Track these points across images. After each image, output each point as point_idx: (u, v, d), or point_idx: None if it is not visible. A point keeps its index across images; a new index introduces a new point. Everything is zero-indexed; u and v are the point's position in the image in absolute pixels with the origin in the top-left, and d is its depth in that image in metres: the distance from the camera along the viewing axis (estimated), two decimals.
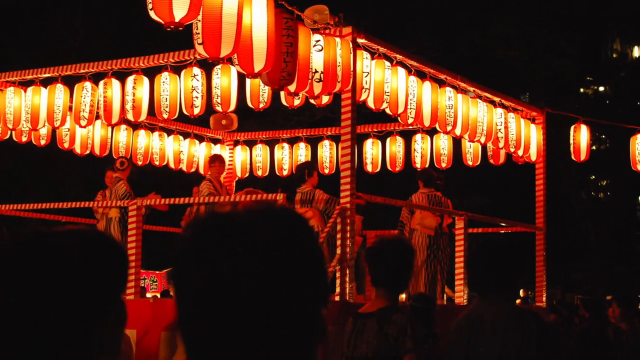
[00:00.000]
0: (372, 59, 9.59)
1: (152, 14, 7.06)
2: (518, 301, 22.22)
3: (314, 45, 8.58)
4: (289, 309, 1.58)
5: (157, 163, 13.22)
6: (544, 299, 12.63)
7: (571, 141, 13.21)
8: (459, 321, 4.82)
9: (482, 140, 11.43)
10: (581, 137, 13.13)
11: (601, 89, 41.03)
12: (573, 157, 13.31)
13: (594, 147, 29.71)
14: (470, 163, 13.23)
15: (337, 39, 8.83)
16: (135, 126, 12.58)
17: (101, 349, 1.80)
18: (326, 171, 13.47)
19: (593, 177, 39.39)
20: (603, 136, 36.09)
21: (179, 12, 6.98)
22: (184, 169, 13.67)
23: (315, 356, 1.63)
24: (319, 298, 1.63)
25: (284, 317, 1.58)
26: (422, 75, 10.34)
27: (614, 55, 43.86)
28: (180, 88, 10.02)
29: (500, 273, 4.71)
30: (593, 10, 34.11)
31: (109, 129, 12.33)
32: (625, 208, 38.96)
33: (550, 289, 13.51)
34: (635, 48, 45.12)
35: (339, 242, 8.86)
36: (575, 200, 35.51)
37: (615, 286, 23.79)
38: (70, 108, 10.54)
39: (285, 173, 13.86)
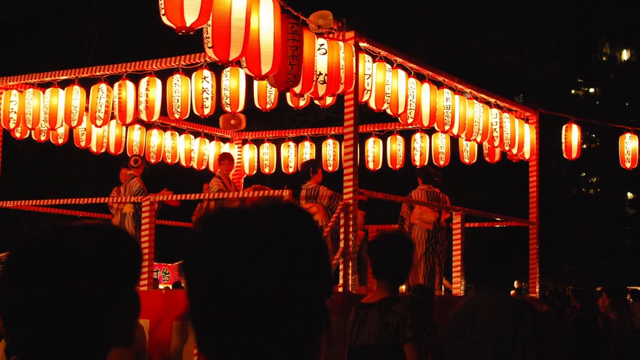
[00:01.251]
0: (374, 61, 9.58)
1: (164, 19, 7.06)
2: (512, 292, 22.23)
3: (318, 49, 8.58)
4: (294, 301, 1.58)
5: (169, 161, 13.24)
6: (537, 290, 12.62)
7: (563, 140, 13.19)
8: (457, 311, 4.82)
9: (478, 139, 11.41)
10: (572, 136, 13.12)
11: (591, 90, 40.98)
12: (565, 155, 13.30)
13: (584, 146, 29.66)
14: (467, 161, 13.23)
15: (340, 43, 8.83)
16: (148, 126, 12.59)
17: (116, 338, 1.80)
18: (330, 168, 13.47)
19: (584, 174, 39.36)
20: (593, 135, 36.04)
21: (190, 17, 6.97)
22: (195, 166, 13.68)
23: (320, 345, 1.63)
24: (324, 289, 1.63)
25: (290, 308, 1.57)
26: (421, 78, 10.33)
27: (604, 59, 43.81)
28: (191, 89, 10.03)
29: (495, 265, 4.71)
30: (584, 15, 34.07)
31: (124, 128, 12.35)
32: (614, 204, 38.94)
33: (543, 280, 13.51)
34: (624, 51, 45.07)
35: (342, 236, 8.86)
36: (566, 196, 35.49)
37: (604, 278, 23.77)
38: (87, 108, 10.54)
39: (291, 170, 13.87)
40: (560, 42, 29.79)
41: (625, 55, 45.23)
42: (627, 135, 13.43)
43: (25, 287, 1.76)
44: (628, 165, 13.40)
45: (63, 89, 10.57)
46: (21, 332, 1.76)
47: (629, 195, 42.09)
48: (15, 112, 10.83)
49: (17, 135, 11.56)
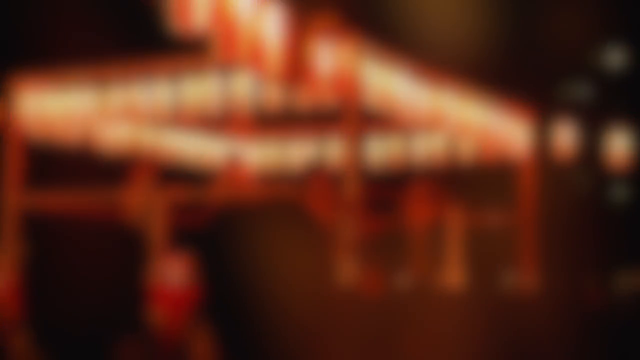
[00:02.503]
0: (375, 62, 9.55)
1: (172, 21, 7.05)
2: None
3: (322, 50, 8.56)
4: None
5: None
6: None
7: (556, 139, 13.18)
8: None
9: (476, 138, 11.42)
10: (565, 135, 13.12)
11: (585, 91, 40.95)
12: (558, 154, 13.28)
13: (576, 145, 29.60)
14: (464, 159, 13.20)
15: (343, 44, 8.81)
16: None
17: None
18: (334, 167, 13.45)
19: (577, 172, 39.34)
20: (585, 135, 36.01)
21: (198, 20, 6.97)
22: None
23: None
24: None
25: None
26: (421, 78, 10.29)
27: (598, 61, 43.73)
28: (199, 89, 10.01)
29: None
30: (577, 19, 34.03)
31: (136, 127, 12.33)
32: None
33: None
34: (617, 55, 45.01)
35: None
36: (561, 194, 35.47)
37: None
38: (99, 108, 10.50)
39: (297, 168, 13.85)
40: (554, 45, 29.77)
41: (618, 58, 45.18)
42: (618, 134, 13.42)
43: None
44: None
45: (76, 89, 10.55)
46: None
47: None
48: (31, 112, 10.81)
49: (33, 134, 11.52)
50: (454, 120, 10.75)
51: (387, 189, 11.11)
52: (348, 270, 8.71)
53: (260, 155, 14.21)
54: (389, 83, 9.64)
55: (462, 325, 4.84)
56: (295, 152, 13.93)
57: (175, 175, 17.97)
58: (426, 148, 13.29)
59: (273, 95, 10.39)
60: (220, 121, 12.51)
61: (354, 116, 9.04)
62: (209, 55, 9.34)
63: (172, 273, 11.93)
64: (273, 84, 9.40)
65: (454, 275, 10.75)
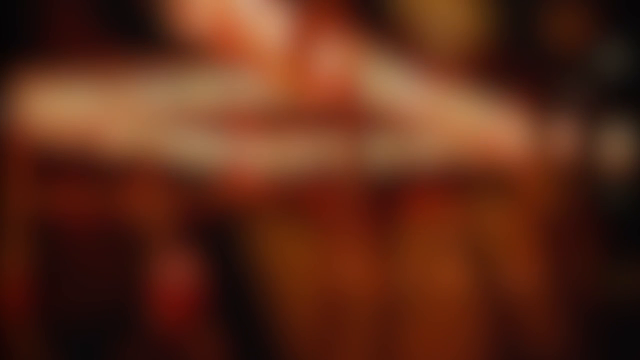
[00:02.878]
0: (376, 61, 9.59)
1: (170, 22, 7.06)
2: None
3: (323, 50, 8.58)
4: None
5: None
6: None
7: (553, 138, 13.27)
8: None
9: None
10: (564, 134, 13.21)
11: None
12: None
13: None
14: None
15: (344, 44, 8.82)
16: None
17: None
18: None
19: None
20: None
21: (195, 20, 6.97)
22: None
23: None
24: None
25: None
26: (421, 77, 10.34)
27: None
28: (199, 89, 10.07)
29: None
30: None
31: None
32: None
33: None
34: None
35: None
36: None
37: None
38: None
39: None
40: (554, 43, 30.09)
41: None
42: (618, 133, 13.50)
43: None
44: None
45: (78, 88, 10.59)
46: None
47: None
48: (32, 111, 10.85)
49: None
50: (454, 119, 10.79)
51: (387, 189, 11.10)
52: (348, 270, 8.72)
53: (261, 155, 14.25)
54: (390, 82, 9.67)
55: (462, 325, 4.84)
56: (296, 152, 13.99)
57: (177, 176, 18.07)
58: (426, 148, 13.33)
59: (274, 95, 10.44)
60: (221, 121, 12.58)
61: (354, 116, 9.05)
62: (209, 55, 9.38)
63: (176, 273, 12.01)
64: (274, 84, 9.42)
65: (454, 275, 10.76)
